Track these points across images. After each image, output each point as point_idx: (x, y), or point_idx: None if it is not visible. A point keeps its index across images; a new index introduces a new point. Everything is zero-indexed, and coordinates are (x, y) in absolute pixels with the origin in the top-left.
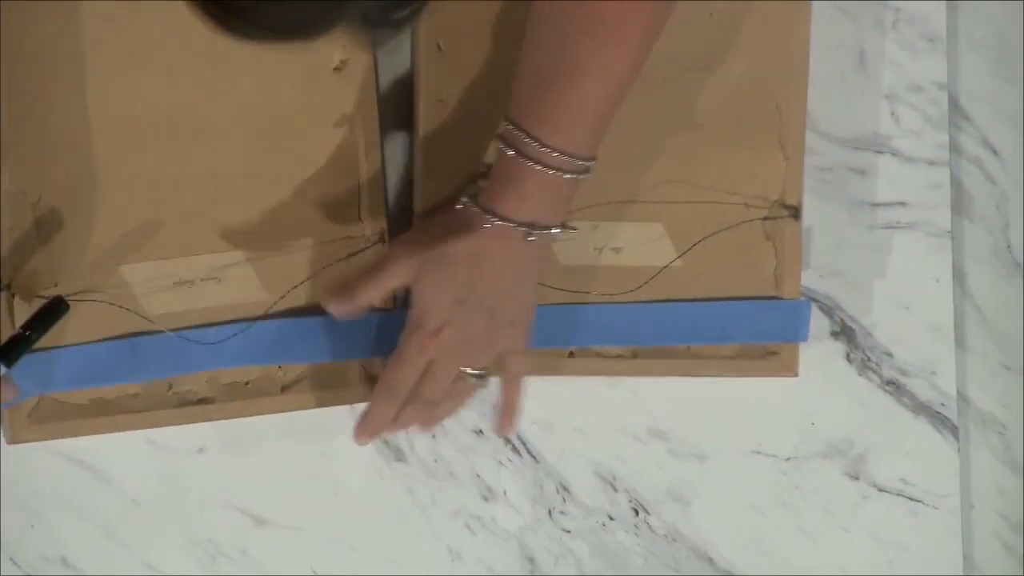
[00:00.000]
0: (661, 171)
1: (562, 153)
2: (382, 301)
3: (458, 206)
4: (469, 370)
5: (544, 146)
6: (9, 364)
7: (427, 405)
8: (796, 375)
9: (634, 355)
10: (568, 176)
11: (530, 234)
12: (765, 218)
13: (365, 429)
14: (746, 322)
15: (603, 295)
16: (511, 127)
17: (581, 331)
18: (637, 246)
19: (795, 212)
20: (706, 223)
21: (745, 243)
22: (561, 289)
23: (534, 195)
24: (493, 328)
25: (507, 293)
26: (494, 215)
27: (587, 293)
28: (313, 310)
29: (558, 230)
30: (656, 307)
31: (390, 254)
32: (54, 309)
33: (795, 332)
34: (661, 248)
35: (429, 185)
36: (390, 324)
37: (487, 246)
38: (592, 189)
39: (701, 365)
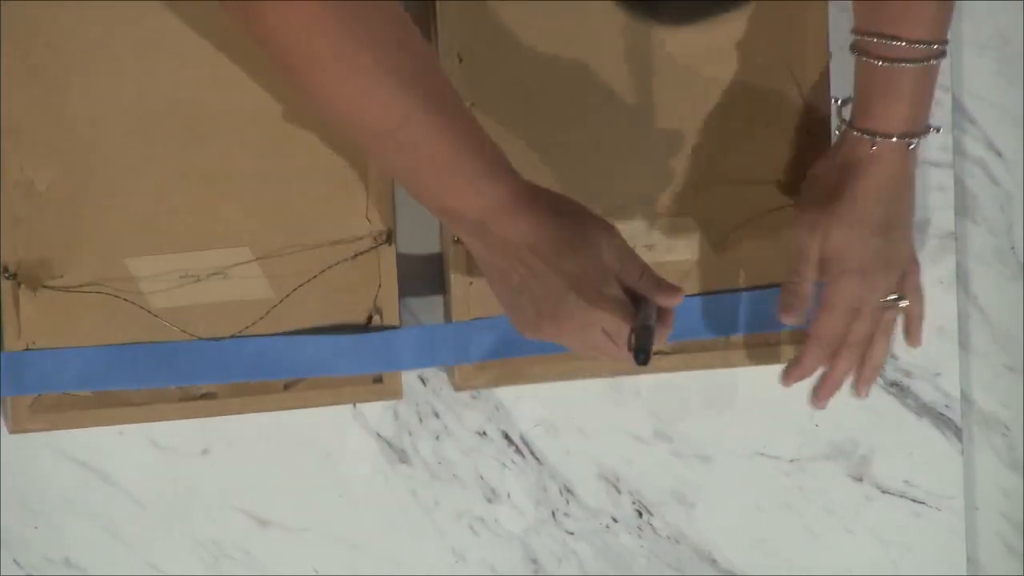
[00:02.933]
0: (689, 163)
1: (920, 43)
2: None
3: (835, 131)
4: (887, 299)
5: (903, 40)
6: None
7: (860, 346)
8: None
9: (672, 351)
10: (934, 62)
11: (911, 143)
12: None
13: (794, 375)
14: None
15: None
16: (865, 38)
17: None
18: (670, 241)
19: None
20: (738, 210)
21: (778, 228)
22: None
23: (908, 94)
24: (894, 247)
25: (902, 209)
26: (877, 134)
27: None
28: (323, 327)
29: (934, 132)
30: (696, 300)
31: (796, 232)
32: None
33: None
34: (694, 241)
35: None
36: (395, 340)
37: (881, 173)
38: (620, 186)
39: (742, 355)
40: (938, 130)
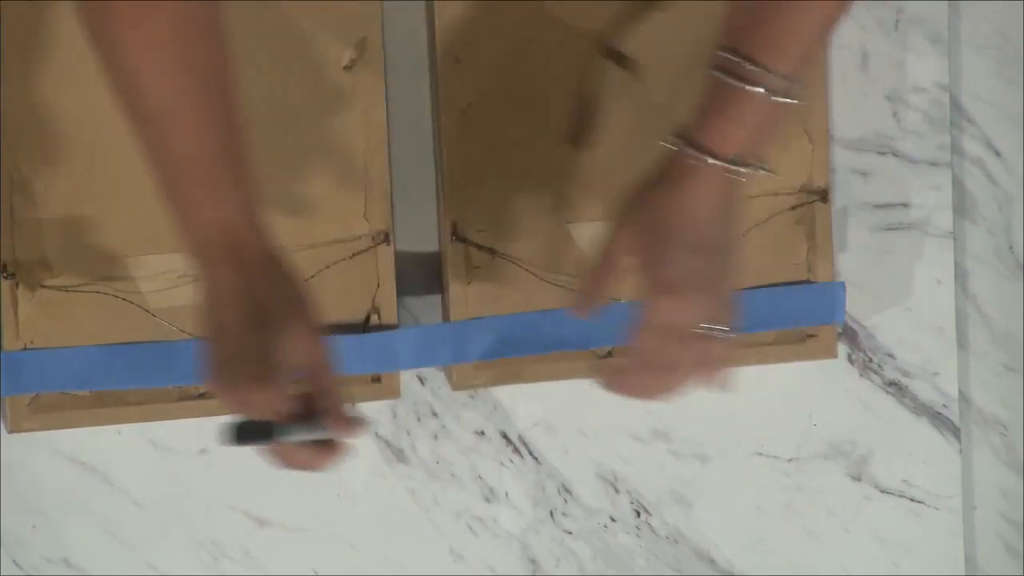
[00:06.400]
0: None
1: (779, 75)
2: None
3: (663, 143)
4: (712, 326)
5: (762, 67)
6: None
7: (663, 371)
8: (835, 356)
9: None
10: (783, 100)
11: (738, 173)
12: (794, 207)
13: (622, 392)
14: (782, 308)
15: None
16: (726, 54)
17: (620, 329)
18: None
19: (823, 195)
20: None
21: (776, 231)
22: None
23: (751, 122)
24: (715, 272)
25: (724, 236)
26: (702, 150)
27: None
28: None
29: (763, 170)
30: None
31: (610, 232)
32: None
33: (830, 314)
34: None
35: (455, 194)
36: (393, 339)
37: (705, 194)
38: (618, 186)
39: (741, 355)
40: (770, 171)
